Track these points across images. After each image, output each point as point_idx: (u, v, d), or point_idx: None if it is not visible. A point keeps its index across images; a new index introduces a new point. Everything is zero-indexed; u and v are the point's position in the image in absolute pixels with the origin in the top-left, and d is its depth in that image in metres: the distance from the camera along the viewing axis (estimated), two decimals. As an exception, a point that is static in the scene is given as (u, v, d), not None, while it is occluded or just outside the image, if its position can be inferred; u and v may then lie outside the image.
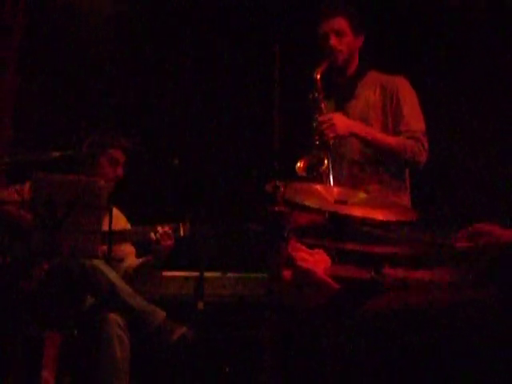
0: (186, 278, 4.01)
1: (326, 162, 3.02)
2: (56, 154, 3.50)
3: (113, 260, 3.62)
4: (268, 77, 2.39)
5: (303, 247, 2.12)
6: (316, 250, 2.16)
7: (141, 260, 3.86)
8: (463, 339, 1.73)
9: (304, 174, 3.02)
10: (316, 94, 3.12)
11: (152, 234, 3.66)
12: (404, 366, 1.78)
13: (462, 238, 2.07)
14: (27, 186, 3.67)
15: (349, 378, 2.05)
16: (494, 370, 1.68)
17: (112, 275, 3.53)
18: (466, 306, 1.75)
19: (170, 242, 3.67)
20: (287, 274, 2.01)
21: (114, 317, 3.45)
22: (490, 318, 1.72)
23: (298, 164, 3.03)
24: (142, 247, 3.89)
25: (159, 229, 3.66)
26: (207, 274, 3.89)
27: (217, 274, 4.04)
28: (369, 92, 3.26)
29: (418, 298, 1.83)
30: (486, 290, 1.81)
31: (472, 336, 1.72)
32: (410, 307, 1.80)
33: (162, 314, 3.51)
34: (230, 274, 4.06)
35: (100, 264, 3.52)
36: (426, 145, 3.15)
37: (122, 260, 3.87)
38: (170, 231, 3.65)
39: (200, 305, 3.66)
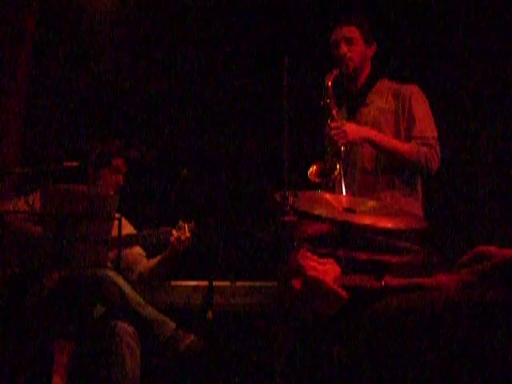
0: (196, 288, 4.01)
1: (338, 168, 3.03)
2: (65, 164, 3.53)
3: (121, 267, 3.64)
4: (278, 87, 2.40)
5: (313, 256, 2.12)
6: (326, 260, 2.16)
7: (155, 260, 3.90)
8: (471, 340, 1.73)
9: (316, 180, 3.03)
10: (327, 101, 3.14)
11: (172, 237, 3.72)
12: (412, 369, 1.78)
13: (465, 261, 2.07)
14: (37, 196, 3.69)
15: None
16: (503, 371, 1.69)
17: (123, 285, 3.54)
18: (473, 307, 1.75)
19: (187, 243, 3.75)
20: (297, 283, 2.01)
21: (124, 326, 3.47)
22: (498, 320, 1.72)
23: (311, 169, 3.04)
24: (150, 249, 3.93)
25: (175, 232, 3.72)
26: (216, 283, 3.89)
27: (226, 283, 4.04)
28: (381, 99, 3.27)
29: (425, 299, 1.83)
30: (493, 291, 1.81)
31: (479, 337, 1.72)
32: (416, 308, 1.80)
33: (172, 324, 3.52)
34: (239, 283, 4.06)
35: (111, 273, 3.53)
36: (439, 151, 3.17)
37: (130, 268, 3.90)
38: (188, 233, 3.73)
39: (209, 314, 3.66)
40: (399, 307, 1.90)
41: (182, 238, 3.74)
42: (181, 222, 3.78)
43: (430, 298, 1.91)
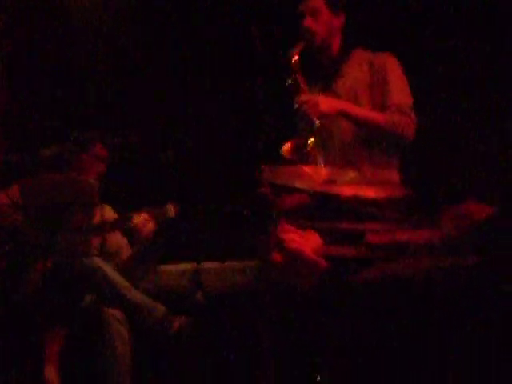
0: (183, 270, 4.00)
1: (311, 142, 2.99)
2: (44, 152, 3.51)
3: (106, 254, 3.62)
4: (251, 63, 2.37)
5: (292, 228, 2.11)
6: (306, 231, 2.14)
7: (129, 253, 3.88)
8: (443, 307, 1.73)
9: (291, 157, 2.99)
10: (294, 76, 3.09)
11: (129, 224, 3.67)
12: (396, 337, 1.78)
13: (447, 219, 2.05)
14: (17, 188, 3.65)
15: (348, 357, 2.04)
16: (479, 338, 1.69)
17: (110, 271, 3.54)
18: (448, 273, 1.75)
19: (148, 228, 3.68)
20: (277, 256, 2.00)
21: (113, 312, 3.46)
22: (472, 285, 1.72)
23: (284, 147, 3.00)
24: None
25: (134, 217, 3.67)
26: (205, 265, 3.88)
27: (215, 264, 4.02)
28: (356, 70, 3.23)
29: (403, 268, 1.83)
30: (468, 256, 1.81)
31: (453, 303, 1.72)
32: (395, 278, 1.80)
33: (161, 307, 3.52)
34: (228, 263, 4.05)
35: (97, 260, 3.53)
36: (414, 119, 3.13)
37: (115, 254, 3.88)
38: (146, 217, 3.67)
39: (199, 295, 3.65)
40: (380, 277, 1.90)
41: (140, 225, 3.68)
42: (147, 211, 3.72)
43: (407, 267, 1.91)
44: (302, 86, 3.07)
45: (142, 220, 3.68)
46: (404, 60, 3.26)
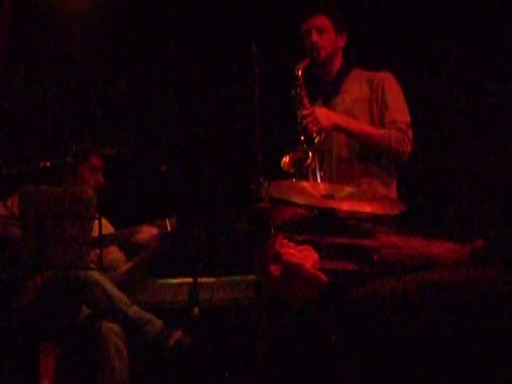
0: (181, 285, 4.00)
1: (310, 155, 3.02)
2: (42, 164, 3.52)
3: (102, 268, 3.62)
4: (248, 76, 2.39)
5: (290, 243, 2.12)
6: (303, 246, 2.15)
7: (127, 266, 3.88)
8: (459, 321, 1.71)
9: (290, 170, 3.02)
10: (298, 90, 3.14)
11: (137, 238, 3.67)
12: (401, 353, 1.77)
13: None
14: (15, 200, 3.66)
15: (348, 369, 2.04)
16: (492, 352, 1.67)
17: (108, 285, 3.54)
18: (463, 287, 1.72)
19: (155, 244, 3.71)
20: (275, 270, 2.01)
21: (110, 326, 3.47)
22: (489, 299, 1.70)
23: (284, 159, 3.03)
24: (130, 251, 3.90)
25: (145, 229, 3.69)
26: (201, 280, 3.88)
27: (211, 279, 4.03)
28: (355, 87, 3.29)
29: (414, 280, 1.81)
30: (486, 269, 1.79)
31: (469, 318, 1.70)
32: (405, 290, 1.78)
33: (158, 322, 3.52)
34: (224, 278, 4.05)
35: (95, 274, 3.53)
36: (411, 136, 3.17)
37: (111, 267, 3.88)
38: (156, 233, 3.69)
39: (195, 311, 3.65)
40: (388, 290, 1.89)
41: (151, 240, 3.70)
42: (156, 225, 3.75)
43: (422, 279, 1.89)
44: (304, 100, 3.12)
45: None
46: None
